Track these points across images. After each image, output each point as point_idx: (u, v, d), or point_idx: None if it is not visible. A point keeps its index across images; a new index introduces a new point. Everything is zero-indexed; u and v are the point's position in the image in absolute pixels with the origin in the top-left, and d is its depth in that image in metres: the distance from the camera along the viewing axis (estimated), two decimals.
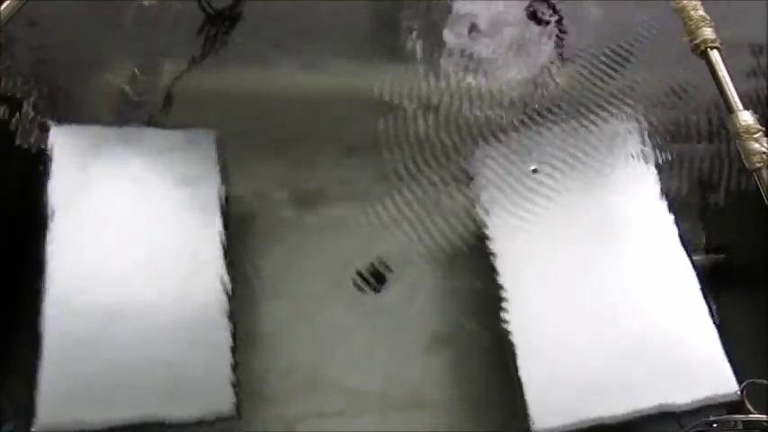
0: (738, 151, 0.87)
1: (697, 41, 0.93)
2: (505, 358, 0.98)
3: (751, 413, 0.83)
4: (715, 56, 0.91)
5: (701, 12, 0.94)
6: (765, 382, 0.84)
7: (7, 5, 0.93)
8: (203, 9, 1.24)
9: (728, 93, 0.88)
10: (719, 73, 0.90)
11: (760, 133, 0.83)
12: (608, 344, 0.98)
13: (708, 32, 0.92)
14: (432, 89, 1.22)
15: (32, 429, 0.86)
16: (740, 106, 0.86)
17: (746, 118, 0.85)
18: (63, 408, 0.88)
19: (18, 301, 0.94)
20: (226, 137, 1.09)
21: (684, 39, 0.96)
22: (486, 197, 1.10)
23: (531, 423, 0.93)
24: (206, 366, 0.94)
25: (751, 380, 0.86)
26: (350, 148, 1.17)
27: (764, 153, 0.82)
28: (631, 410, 0.93)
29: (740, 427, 0.84)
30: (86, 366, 0.90)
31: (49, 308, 0.92)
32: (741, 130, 0.84)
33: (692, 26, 0.93)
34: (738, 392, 0.88)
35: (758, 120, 0.85)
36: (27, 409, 0.86)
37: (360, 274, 1.07)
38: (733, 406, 0.90)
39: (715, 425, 0.84)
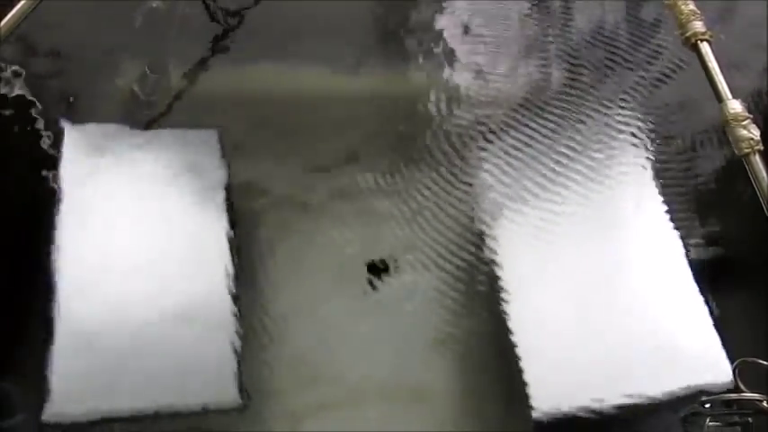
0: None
1: (688, 34, 0.95)
2: (507, 351, 0.99)
3: (743, 393, 0.84)
4: (705, 48, 0.93)
5: (692, 6, 0.96)
6: (757, 360, 0.85)
7: (10, 18, 0.96)
8: (212, 17, 1.27)
9: (718, 82, 0.90)
10: (709, 64, 0.92)
11: (748, 120, 0.85)
12: (606, 334, 1.00)
13: (698, 25, 0.95)
14: (434, 89, 1.24)
15: (43, 418, 0.88)
16: (729, 95, 0.88)
17: (735, 106, 0.87)
18: (73, 397, 0.90)
19: (29, 294, 0.96)
20: (232, 136, 1.12)
21: (676, 32, 0.98)
22: (487, 195, 1.12)
23: (531, 412, 0.94)
24: (213, 358, 0.95)
25: (743, 358, 0.87)
26: (353, 147, 1.18)
27: (752, 139, 0.84)
28: (630, 398, 0.95)
29: (734, 408, 0.85)
30: (96, 358, 0.92)
31: (60, 300, 0.94)
32: (730, 117, 0.86)
33: (683, 20, 0.96)
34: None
35: (746, 108, 0.87)
36: (38, 399, 0.88)
37: (363, 271, 1.08)
38: (728, 393, 0.91)
39: (708, 405, 0.85)
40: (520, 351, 0.99)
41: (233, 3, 1.29)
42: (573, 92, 1.24)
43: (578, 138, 1.18)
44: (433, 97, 1.23)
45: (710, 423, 0.86)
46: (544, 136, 1.18)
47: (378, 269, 1.08)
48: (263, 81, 1.24)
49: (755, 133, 0.84)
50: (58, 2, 1.10)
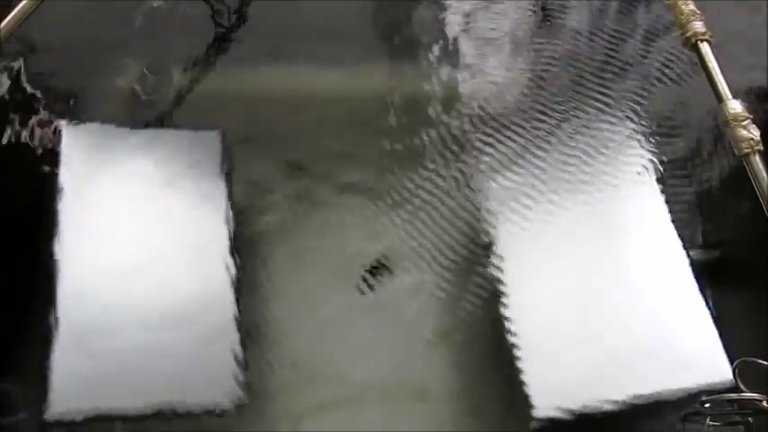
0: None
1: (688, 34, 0.95)
2: (506, 351, 0.99)
3: (743, 392, 0.84)
4: (705, 48, 0.93)
5: (692, 6, 0.96)
6: (757, 360, 0.85)
7: (10, 18, 0.95)
8: (214, 17, 1.27)
9: (717, 83, 0.90)
10: (709, 64, 0.92)
11: (748, 121, 0.85)
12: (606, 334, 1.00)
13: (698, 26, 0.94)
14: (434, 89, 1.24)
15: (45, 417, 0.88)
16: (729, 95, 0.88)
17: (735, 106, 0.87)
18: (73, 397, 0.90)
19: (29, 294, 0.96)
20: (232, 136, 1.12)
21: (676, 32, 0.98)
22: (487, 195, 1.12)
23: (531, 412, 0.95)
24: (213, 359, 0.96)
25: (743, 358, 0.87)
26: (353, 147, 1.18)
27: (752, 139, 0.84)
28: (629, 398, 0.95)
29: (734, 409, 0.85)
30: (96, 358, 0.92)
31: (61, 300, 0.94)
32: (730, 117, 0.86)
33: (683, 20, 0.96)
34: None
35: (746, 108, 0.87)
36: (39, 399, 0.88)
37: (363, 271, 1.08)
38: (728, 393, 0.91)
39: (707, 405, 0.85)
40: (520, 351, 0.99)
41: (234, 2, 1.29)
42: (573, 92, 1.24)
43: (578, 138, 1.18)
44: (433, 97, 1.23)
45: (710, 423, 0.86)
46: (544, 136, 1.18)
47: (377, 269, 1.08)
48: (263, 81, 1.24)
49: (755, 133, 0.84)
50: (58, 1, 1.10)
